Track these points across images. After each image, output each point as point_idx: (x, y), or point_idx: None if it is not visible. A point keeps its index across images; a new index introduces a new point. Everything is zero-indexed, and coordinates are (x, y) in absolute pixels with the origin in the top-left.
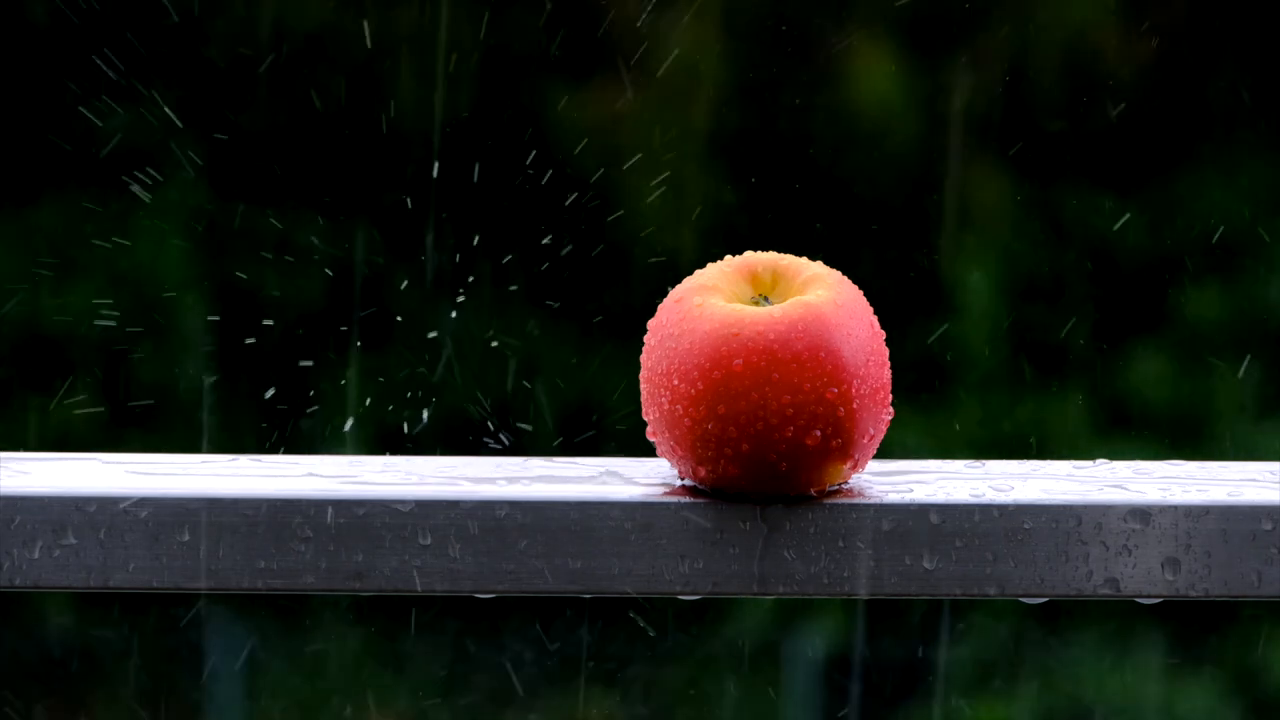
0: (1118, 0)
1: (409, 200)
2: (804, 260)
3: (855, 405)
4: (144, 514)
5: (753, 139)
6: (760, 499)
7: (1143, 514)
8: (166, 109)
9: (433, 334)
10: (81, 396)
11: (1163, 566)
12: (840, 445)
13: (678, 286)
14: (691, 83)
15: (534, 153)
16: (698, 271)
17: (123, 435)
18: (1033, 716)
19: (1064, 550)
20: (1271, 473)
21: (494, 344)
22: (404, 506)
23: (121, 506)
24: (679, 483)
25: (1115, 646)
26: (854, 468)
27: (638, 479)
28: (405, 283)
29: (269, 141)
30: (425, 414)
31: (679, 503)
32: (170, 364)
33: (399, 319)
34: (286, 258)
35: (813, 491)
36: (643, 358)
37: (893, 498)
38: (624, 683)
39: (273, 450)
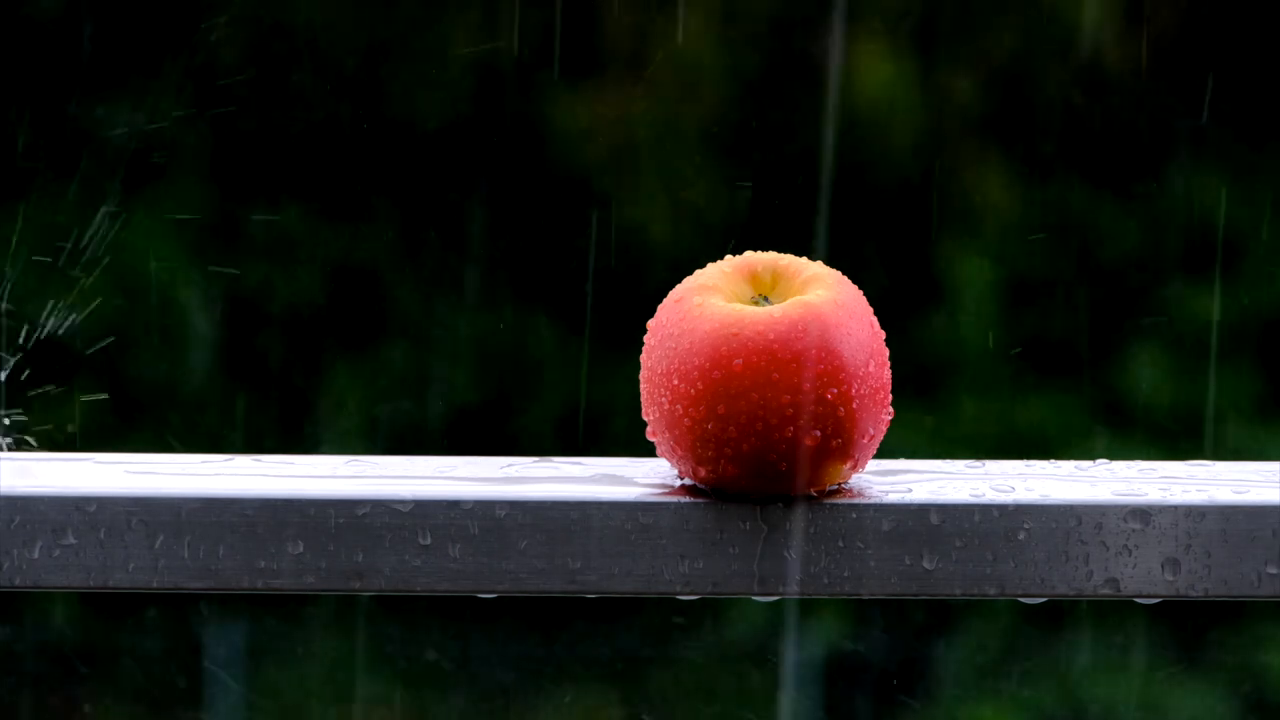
0: None
1: (409, 200)
2: (804, 260)
3: (855, 405)
4: (144, 514)
5: (753, 138)
6: (760, 499)
7: (1143, 514)
8: (167, 106)
9: (433, 333)
10: (81, 396)
11: (1163, 566)
12: (840, 445)
13: (678, 286)
14: (692, 82)
15: (533, 152)
16: (698, 271)
17: (123, 435)
18: (1032, 716)
19: (1064, 550)
20: (1271, 473)
21: (494, 343)
22: (404, 506)
23: (121, 506)
24: (679, 483)
25: (1115, 646)
26: (854, 468)
27: (638, 479)
28: (405, 282)
29: (270, 140)
30: (425, 414)
31: (679, 503)
32: (170, 363)
33: (399, 319)
34: (287, 257)
35: (813, 491)
36: (643, 358)
37: (893, 498)
38: (624, 683)
39: (272, 450)
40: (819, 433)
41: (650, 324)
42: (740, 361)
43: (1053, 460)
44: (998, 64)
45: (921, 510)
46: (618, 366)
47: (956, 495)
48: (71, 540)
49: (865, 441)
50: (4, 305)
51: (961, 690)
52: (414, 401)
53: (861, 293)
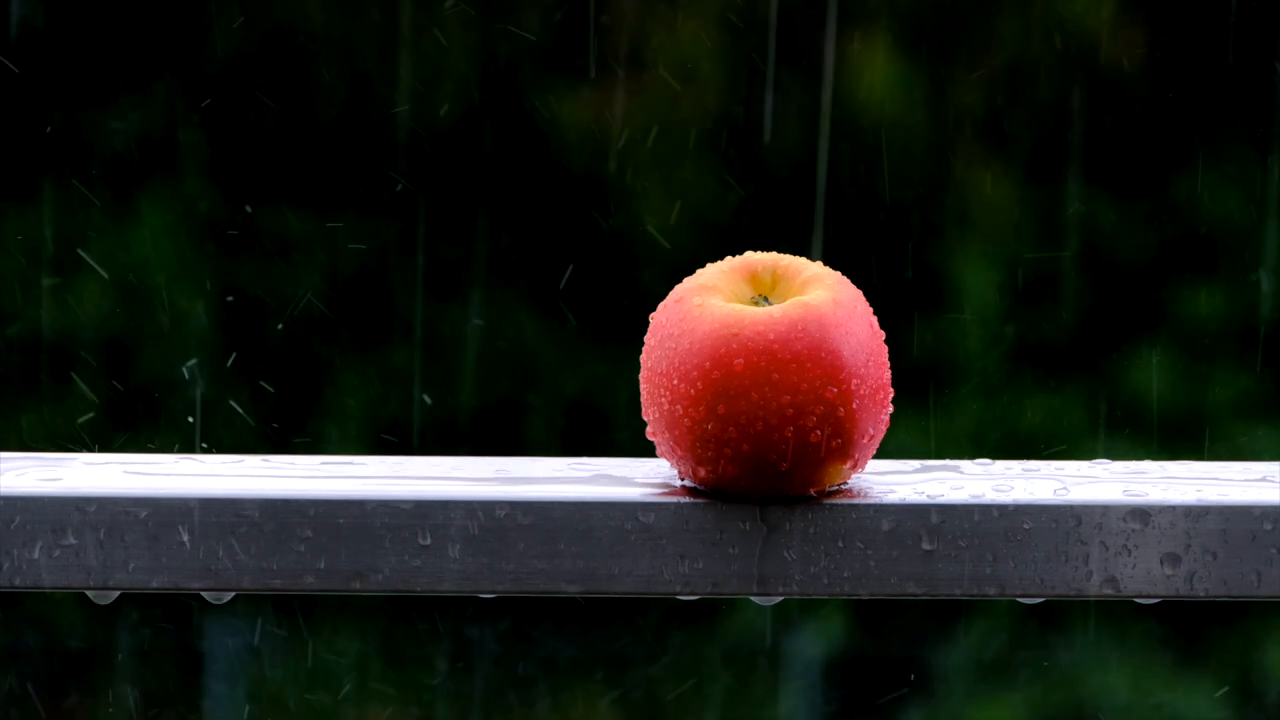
0: (1118, 0)
1: (410, 200)
2: (804, 260)
3: (855, 405)
4: (144, 514)
5: (753, 138)
6: (760, 499)
7: (1143, 514)
8: (168, 107)
9: (433, 334)
10: (82, 397)
11: (1162, 566)
12: (840, 445)
13: (678, 287)
14: (691, 81)
15: (533, 152)
16: (698, 271)
17: (123, 435)
18: (1032, 716)
19: (1064, 550)
20: (1271, 473)
21: (494, 343)
22: (404, 506)
23: (121, 506)
24: (679, 483)
25: (1115, 646)
26: (854, 468)
27: (638, 479)
28: (406, 282)
29: (270, 140)
30: (426, 414)
31: (679, 503)
32: (171, 363)
33: (399, 318)
34: (287, 257)
35: (813, 491)
36: (643, 358)
37: (893, 498)
38: (623, 683)
39: (272, 450)
40: (819, 433)
41: (650, 324)
42: (740, 361)
43: (1053, 460)
44: (999, 64)
45: (921, 510)
46: (618, 366)
47: (956, 495)
48: (71, 540)
49: (865, 441)
50: (6, 304)
51: (961, 690)
52: (415, 402)
53: (861, 293)
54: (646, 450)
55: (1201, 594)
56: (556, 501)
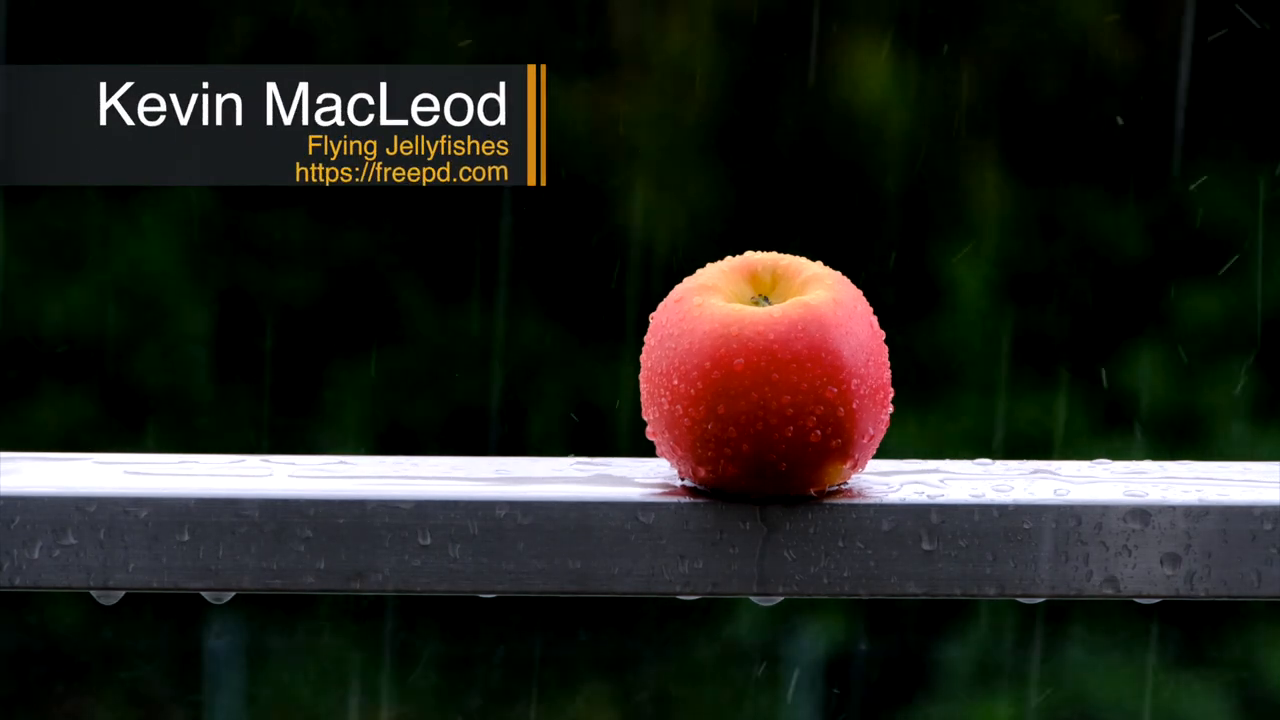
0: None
1: (410, 200)
2: (804, 260)
3: (855, 405)
4: (144, 514)
5: (751, 138)
6: (760, 499)
7: (1143, 514)
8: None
9: (433, 334)
10: (81, 397)
11: (1162, 566)
12: (840, 445)
13: (678, 286)
14: (689, 81)
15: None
16: (698, 271)
17: (122, 435)
18: (1033, 716)
19: (1064, 550)
20: (1271, 473)
21: (494, 344)
22: (404, 506)
23: (121, 506)
24: (679, 483)
25: (1115, 646)
26: (854, 468)
27: (638, 479)
28: (406, 283)
29: None
30: (426, 414)
31: (679, 503)
32: (171, 364)
33: (400, 319)
34: (287, 258)
35: (813, 491)
36: (643, 358)
37: (893, 498)
38: (624, 683)
39: (272, 450)
40: (819, 433)
41: (650, 324)
42: (740, 361)
43: (1052, 460)
44: (995, 63)
45: (921, 510)
46: (618, 366)
47: (956, 495)
48: (71, 540)
49: (865, 441)
50: (5, 305)
51: (962, 690)
52: (414, 402)
53: (861, 293)
54: (646, 450)
55: (1201, 594)
56: (556, 501)
